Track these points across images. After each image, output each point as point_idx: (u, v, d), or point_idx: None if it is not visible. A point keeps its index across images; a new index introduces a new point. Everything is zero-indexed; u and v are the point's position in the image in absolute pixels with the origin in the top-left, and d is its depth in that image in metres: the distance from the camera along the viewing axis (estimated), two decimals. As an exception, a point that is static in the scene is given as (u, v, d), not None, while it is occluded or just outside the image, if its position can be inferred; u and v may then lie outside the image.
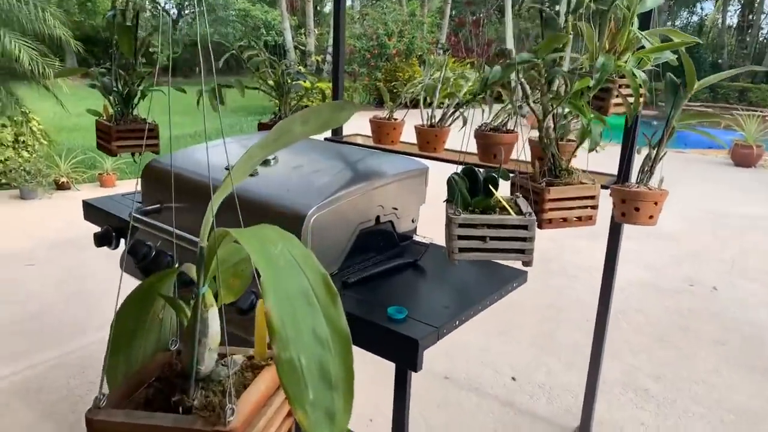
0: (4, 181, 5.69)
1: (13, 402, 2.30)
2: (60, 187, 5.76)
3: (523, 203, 1.14)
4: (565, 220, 1.28)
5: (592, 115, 1.18)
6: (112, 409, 0.59)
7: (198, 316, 0.67)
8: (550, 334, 3.02)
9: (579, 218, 1.29)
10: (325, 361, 0.49)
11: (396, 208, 1.51)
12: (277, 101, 2.24)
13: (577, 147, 1.26)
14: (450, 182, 1.10)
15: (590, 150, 1.17)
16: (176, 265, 1.42)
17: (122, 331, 0.67)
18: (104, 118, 1.74)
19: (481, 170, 1.13)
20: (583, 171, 1.34)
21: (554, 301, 3.42)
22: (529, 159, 1.81)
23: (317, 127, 0.62)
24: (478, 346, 2.85)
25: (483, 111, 2.00)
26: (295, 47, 15.48)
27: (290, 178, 1.43)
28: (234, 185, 0.64)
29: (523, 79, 1.17)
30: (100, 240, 1.76)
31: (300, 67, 2.29)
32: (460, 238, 1.04)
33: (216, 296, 0.72)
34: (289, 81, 2.15)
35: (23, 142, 5.93)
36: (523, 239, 1.07)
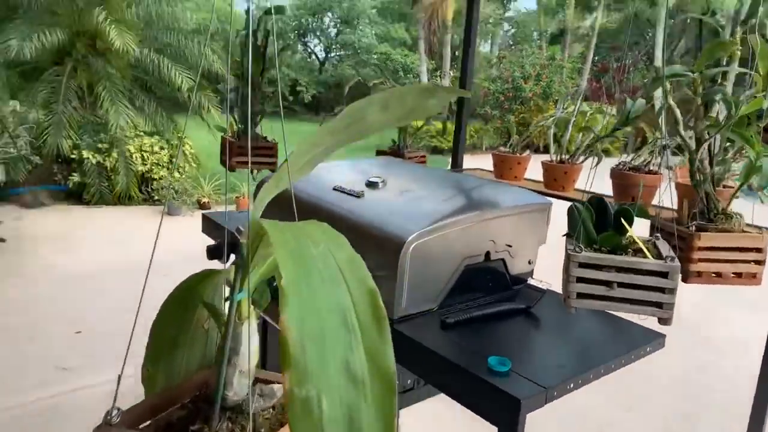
0: (156, 197, 6.29)
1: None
2: (202, 206, 6.23)
3: (663, 246, 0.93)
4: (719, 275, 1.04)
5: (762, 148, 0.96)
6: (123, 429, 0.51)
7: (229, 330, 0.58)
8: (690, 418, 2.58)
9: (738, 275, 1.04)
10: (355, 407, 0.37)
11: (510, 246, 1.35)
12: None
13: (740, 187, 1.03)
14: (572, 212, 0.93)
15: (760, 188, 0.94)
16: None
17: (162, 338, 0.60)
18: (229, 134, 1.79)
19: (612, 203, 0.95)
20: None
21: (696, 377, 2.95)
22: (674, 206, 1.56)
23: (400, 116, 0.51)
24: (599, 417, 2.51)
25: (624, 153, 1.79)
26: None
27: (396, 201, 1.34)
28: (294, 178, 0.55)
29: (672, 101, 0.98)
30: (212, 253, 1.78)
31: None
32: (580, 280, 0.87)
33: (258, 305, 0.63)
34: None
35: (177, 164, 6.53)
36: (662, 290, 0.86)
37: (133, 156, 6.17)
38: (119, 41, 5.57)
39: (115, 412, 0.57)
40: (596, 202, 0.94)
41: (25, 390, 2.43)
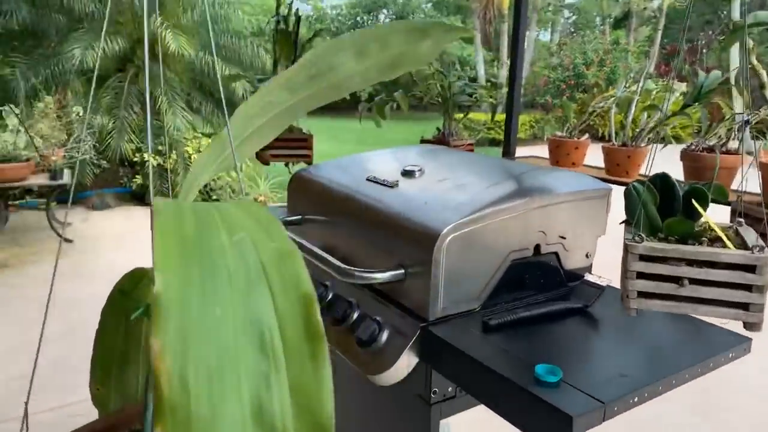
0: (214, 197, 6.41)
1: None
2: (259, 202, 6.29)
3: (748, 234, 0.76)
4: (819, 268, 0.85)
5: None
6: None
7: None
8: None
9: None
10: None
11: (564, 237, 1.20)
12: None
13: None
14: (629, 194, 0.78)
15: None
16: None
17: (108, 353, 0.50)
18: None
19: (681, 182, 0.79)
20: None
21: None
22: (759, 190, 1.35)
23: (382, 65, 0.39)
24: (674, 427, 2.29)
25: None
26: (487, 80, 15.42)
27: (432, 191, 1.22)
28: (242, 153, 0.44)
29: (755, 60, 0.81)
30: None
31: (483, 91, 2.07)
32: (641, 276, 0.72)
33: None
34: (455, 93, 1.96)
35: (233, 163, 6.63)
36: (748, 288, 0.70)
37: (191, 157, 6.32)
38: (174, 45, 5.70)
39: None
40: (660, 180, 0.78)
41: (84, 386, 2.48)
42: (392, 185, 1.26)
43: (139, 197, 6.51)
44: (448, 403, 1.14)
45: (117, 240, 5.04)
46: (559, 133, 2.04)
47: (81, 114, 5.32)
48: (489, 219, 1.07)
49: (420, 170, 1.33)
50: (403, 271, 1.08)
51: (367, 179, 1.33)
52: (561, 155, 1.96)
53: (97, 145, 5.84)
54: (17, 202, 5.73)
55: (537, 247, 1.16)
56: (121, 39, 6.16)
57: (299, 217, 1.45)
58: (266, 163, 1.67)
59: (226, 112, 0.42)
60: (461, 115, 2.08)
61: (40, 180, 4.71)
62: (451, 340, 0.98)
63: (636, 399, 0.84)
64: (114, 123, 6.05)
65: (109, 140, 5.97)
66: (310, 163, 1.68)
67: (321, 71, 0.39)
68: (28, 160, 4.57)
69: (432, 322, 1.04)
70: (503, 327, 1.03)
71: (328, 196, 1.35)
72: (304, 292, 0.30)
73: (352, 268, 1.09)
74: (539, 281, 1.18)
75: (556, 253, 1.20)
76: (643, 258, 0.71)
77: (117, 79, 6.42)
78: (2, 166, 4.35)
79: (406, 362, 1.03)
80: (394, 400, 1.26)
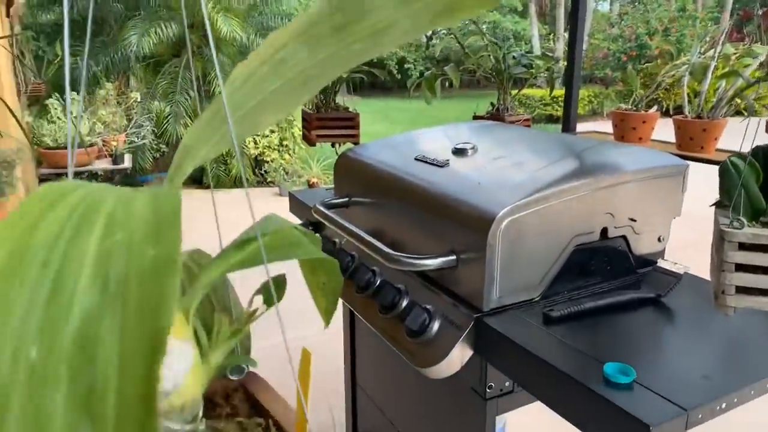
0: (269, 179, 6.48)
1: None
2: (311, 186, 6.31)
3: None
4: None
5: None
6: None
7: None
8: None
9: None
10: None
11: (634, 220, 1.09)
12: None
13: None
14: (726, 170, 0.67)
15: None
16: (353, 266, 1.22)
17: None
18: (309, 106, 1.66)
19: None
20: None
21: None
22: None
23: (435, 9, 0.30)
24: None
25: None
26: (543, 54, 14.87)
27: (486, 170, 1.12)
28: (242, 131, 0.37)
29: None
30: (296, 234, 1.69)
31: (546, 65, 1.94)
32: (740, 268, 0.61)
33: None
34: (510, 65, 1.83)
35: (286, 145, 6.67)
36: None
37: (247, 140, 6.39)
38: (225, 28, 5.74)
39: None
40: (764, 154, 0.66)
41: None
42: (442, 165, 1.17)
43: (198, 180, 6.66)
44: (505, 399, 1.06)
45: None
46: (623, 106, 1.89)
47: (138, 100, 5.46)
48: (550, 200, 0.97)
49: (473, 148, 1.24)
50: (455, 257, 1.00)
51: (416, 159, 1.25)
52: (626, 129, 1.81)
53: (156, 129, 5.98)
54: (83, 186, 5.97)
55: (604, 231, 1.05)
56: (176, 24, 6.26)
57: (346, 199, 1.39)
58: (312, 144, 1.62)
59: (220, 76, 0.35)
60: (516, 91, 1.96)
61: (104, 165, 4.88)
62: (508, 333, 0.90)
63: (724, 405, 0.74)
64: (170, 108, 6.18)
65: (166, 125, 6.11)
66: (357, 143, 1.62)
67: (350, 18, 0.30)
68: (91, 145, 4.74)
69: (487, 312, 0.96)
70: (566, 319, 0.93)
71: (375, 177, 1.28)
72: (157, 327, 0.20)
73: (400, 254, 1.02)
74: (606, 268, 1.08)
75: (624, 237, 1.09)
76: (744, 247, 0.61)
77: (172, 64, 6.55)
78: (65, 152, 4.52)
79: (460, 355, 0.96)
80: (448, 392, 1.19)
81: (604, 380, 0.77)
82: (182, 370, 0.41)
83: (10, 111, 0.92)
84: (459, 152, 1.23)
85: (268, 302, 0.52)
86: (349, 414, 1.73)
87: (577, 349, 0.86)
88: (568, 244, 1.01)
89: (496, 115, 1.89)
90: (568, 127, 2.04)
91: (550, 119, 11.30)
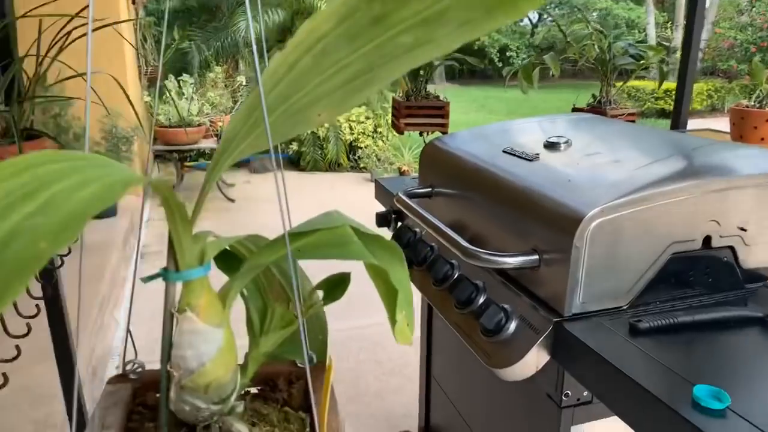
0: (362, 165, 6.58)
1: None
2: (402, 173, 6.34)
3: None
4: None
5: None
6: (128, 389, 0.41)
7: (166, 319, 0.43)
8: None
9: None
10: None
11: (744, 229, 0.98)
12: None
13: None
14: None
15: None
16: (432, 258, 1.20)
17: None
18: (400, 94, 1.65)
19: None
20: None
21: None
22: None
23: None
24: None
25: None
26: (658, 44, 13.86)
27: (579, 166, 1.06)
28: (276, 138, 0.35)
29: None
30: (381, 221, 1.69)
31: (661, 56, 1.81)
32: None
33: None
34: (616, 55, 1.72)
35: (380, 132, 6.73)
36: None
37: (342, 126, 6.52)
38: (329, 15, 5.85)
39: (133, 365, 0.48)
40: None
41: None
42: (531, 158, 1.12)
43: (295, 162, 6.89)
44: (582, 409, 1.01)
45: (271, 201, 5.39)
46: (745, 102, 1.71)
47: (244, 83, 5.72)
48: (647, 202, 0.89)
49: (566, 142, 1.17)
50: (537, 257, 0.95)
51: (504, 151, 1.21)
52: (746, 129, 1.64)
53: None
54: (191, 163, 6.37)
55: (707, 239, 0.96)
56: (281, 10, 6.48)
57: (429, 189, 1.37)
58: (400, 132, 1.61)
59: (258, 68, 0.34)
60: (621, 83, 1.83)
61: (210, 143, 5.18)
62: (589, 341, 0.84)
63: (836, 447, 0.65)
64: (273, 92, 6.43)
65: (268, 108, 6.37)
66: (445, 133, 1.59)
67: (389, 6, 0.27)
68: (200, 125, 5.04)
69: (568, 317, 0.91)
70: (655, 332, 0.86)
71: (459, 168, 1.25)
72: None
73: (479, 249, 0.99)
74: (707, 280, 0.98)
75: (731, 248, 0.99)
76: None
77: (278, 48, 6.79)
78: (179, 130, 4.85)
79: (535, 359, 0.92)
80: (522, 395, 1.15)
81: (693, 404, 0.70)
82: (207, 352, 0.42)
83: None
84: (551, 146, 1.17)
85: (327, 298, 0.52)
86: (422, 405, 1.73)
87: (664, 366, 0.79)
88: (664, 252, 0.93)
89: (597, 108, 1.78)
90: (677, 123, 1.88)
91: (662, 114, 10.53)
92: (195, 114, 5.03)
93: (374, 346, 2.58)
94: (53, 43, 1.10)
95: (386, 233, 1.67)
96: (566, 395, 0.97)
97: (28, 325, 0.95)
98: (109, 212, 3.92)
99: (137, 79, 5.06)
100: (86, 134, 0.35)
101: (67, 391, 1.44)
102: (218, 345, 0.42)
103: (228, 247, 0.50)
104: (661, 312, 0.92)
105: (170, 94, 4.85)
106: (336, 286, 0.54)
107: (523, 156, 1.14)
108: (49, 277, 1.14)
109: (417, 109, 1.54)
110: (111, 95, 1.27)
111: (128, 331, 0.53)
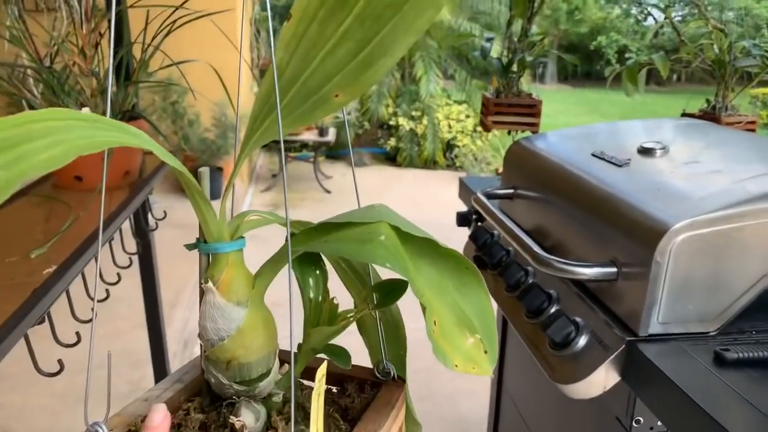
0: (458, 164, 6.51)
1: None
2: (498, 174, 6.20)
3: None
4: None
5: None
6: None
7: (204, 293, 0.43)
8: None
9: None
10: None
11: None
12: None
13: None
14: None
15: None
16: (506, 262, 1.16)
17: None
18: (491, 90, 1.61)
19: None
20: None
21: None
22: None
23: None
24: None
25: None
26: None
27: (672, 174, 0.97)
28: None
29: None
30: (461, 220, 1.66)
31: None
32: None
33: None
34: (737, 56, 1.55)
35: (479, 131, 6.62)
36: None
37: (441, 123, 6.49)
38: (436, 12, 5.83)
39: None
40: None
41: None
42: (621, 164, 1.04)
43: (392, 158, 6.96)
44: (654, 441, 0.92)
45: (367, 195, 5.45)
46: None
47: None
48: (746, 219, 0.80)
49: (663, 148, 1.07)
50: (615, 269, 0.88)
51: (593, 155, 1.13)
52: None
53: (359, 107, 6.37)
54: (294, 154, 6.63)
55: (821, 266, 0.84)
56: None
57: (511, 190, 1.32)
58: (487, 130, 1.56)
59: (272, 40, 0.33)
60: (741, 88, 1.66)
61: (311, 136, 5.36)
62: (665, 367, 0.77)
63: None
64: (375, 87, 6.52)
65: (369, 103, 6.47)
66: (535, 132, 1.52)
67: None
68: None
69: (644, 338, 0.83)
70: (745, 364, 0.77)
71: (542, 169, 1.19)
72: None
73: (552, 257, 0.94)
74: (818, 312, 0.86)
75: None
76: None
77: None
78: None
79: (603, 379, 0.85)
80: (591, 415, 1.08)
81: (780, 450, 0.61)
82: (226, 328, 0.42)
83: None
84: (645, 152, 1.08)
85: (380, 304, 0.49)
86: (491, 414, 1.67)
87: (753, 406, 0.70)
88: (764, 276, 0.82)
89: (710, 114, 1.63)
90: (807, 134, 1.67)
91: (800, 125, 9.45)
92: (299, 106, 5.23)
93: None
94: (158, 31, 1.18)
95: (466, 233, 1.63)
96: (637, 422, 0.89)
97: (118, 274, 1.03)
98: (214, 194, 4.17)
99: (249, 70, 5.33)
100: (107, 100, 0.36)
101: (156, 355, 1.56)
102: (237, 324, 0.42)
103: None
104: (756, 343, 0.82)
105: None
106: (393, 290, 0.49)
107: (613, 161, 1.06)
108: (143, 236, 1.22)
109: (506, 106, 1.49)
110: (221, 84, 1.34)
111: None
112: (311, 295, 0.51)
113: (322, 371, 0.40)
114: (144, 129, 1.21)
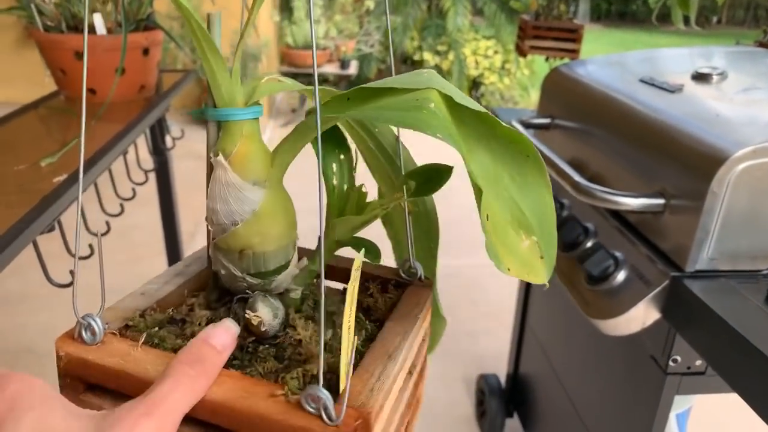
0: (484, 102, 6.32)
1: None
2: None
3: None
4: None
5: None
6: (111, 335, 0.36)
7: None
8: None
9: None
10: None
11: None
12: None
13: None
14: None
15: None
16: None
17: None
18: (530, 11, 1.49)
19: None
20: None
21: None
22: None
23: None
24: None
25: None
26: None
27: (732, 101, 0.88)
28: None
29: None
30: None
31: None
32: None
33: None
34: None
35: (507, 69, 6.38)
36: None
37: (467, 60, 6.25)
38: (467, -62, 5.50)
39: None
40: None
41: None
42: (674, 90, 0.95)
43: (414, 95, 6.78)
44: (691, 379, 0.89)
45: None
46: None
47: (371, 9, 5.62)
48: (817, 147, 0.72)
49: (720, 74, 0.98)
50: (663, 201, 0.82)
51: (641, 81, 1.04)
52: None
53: (383, 39, 6.15)
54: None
55: None
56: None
57: (548, 120, 1.24)
58: (523, 55, 1.46)
59: None
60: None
61: (333, 69, 5.20)
62: (714, 304, 0.72)
63: None
64: (400, 19, 6.27)
65: (393, 36, 6.24)
66: (575, 59, 1.42)
67: None
68: (325, 49, 5.06)
69: (690, 273, 0.78)
70: (803, 305, 0.71)
71: (584, 96, 1.10)
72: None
73: (594, 185, 0.87)
74: None
75: None
76: None
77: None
78: (305, 52, 4.90)
79: (642, 315, 0.81)
80: (623, 353, 1.04)
81: (840, 393, 0.57)
82: (239, 211, 0.37)
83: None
84: (700, 77, 0.99)
85: (420, 191, 0.42)
86: (513, 352, 1.66)
87: (808, 346, 0.65)
88: (831, 211, 0.75)
89: (767, 44, 1.50)
90: None
91: None
92: (321, 37, 5.05)
93: (472, 286, 2.53)
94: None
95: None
96: (674, 361, 0.85)
97: (133, 190, 0.99)
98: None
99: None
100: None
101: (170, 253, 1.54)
102: (253, 207, 0.37)
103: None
104: (812, 282, 0.76)
105: (298, 15, 4.89)
106: (432, 177, 0.43)
107: (664, 87, 0.98)
108: (159, 153, 1.19)
109: (546, 30, 1.38)
110: (239, 15, 1.25)
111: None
112: (335, 182, 0.44)
113: (358, 261, 0.35)
114: (159, 39, 1.14)
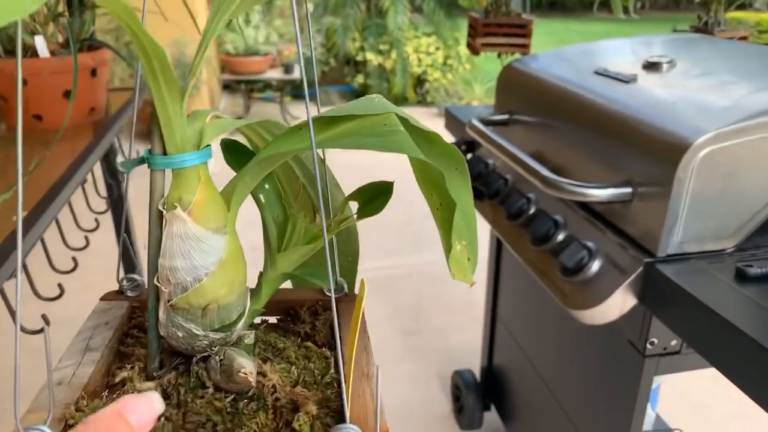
0: (429, 99, 6.38)
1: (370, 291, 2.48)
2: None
3: None
4: None
5: None
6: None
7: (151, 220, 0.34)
8: None
9: None
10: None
11: None
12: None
13: None
14: None
15: None
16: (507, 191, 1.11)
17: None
18: (477, 8, 1.51)
19: None
20: None
21: None
22: None
23: None
24: None
25: None
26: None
27: (685, 88, 0.92)
28: None
29: None
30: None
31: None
32: None
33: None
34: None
35: (449, 65, 6.47)
36: None
37: (410, 58, 6.29)
38: (400, -63, 5.53)
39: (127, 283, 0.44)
40: None
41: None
42: (628, 80, 0.98)
43: (361, 96, 6.77)
44: (668, 359, 0.92)
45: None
46: None
47: (311, 11, 5.57)
48: (767, 130, 0.76)
49: (670, 62, 1.02)
50: (630, 189, 0.84)
51: (595, 72, 1.07)
52: None
53: (325, 42, 6.12)
54: (259, 94, 6.38)
55: (840, 176, 0.81)
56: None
57: (506, 116, 1.26)
58: (476, 53, 1.47)
59: None
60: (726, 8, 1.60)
61: (276, 74, 5.14)
62: (687, 285, 0.74)
63: None
64: (340, 21, 6.25)
65: (335, 38, 6.22)
66: (525, 54, 1.44)
67: None
68: (266, 54, 4.99)
69: (662, 258, 0.80)
70: (766, 278, 0.75)
71: (542, 91, 1.13)
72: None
73: (562, 179, 0.89)
74: (833, 224, 0.84)
75: None
76: None
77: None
78: (247, 59, 4.82)
79: (620, 303, 0.83)
80: (599, 340, 1.07)
81: (815, 362, 0.60)
82: (204, 265, 0.33)
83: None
84: (651, 66, 1.03)
85: (364, 211, 0.41)
86: (486, 345, 1.68)
87: (777, 316, 0.68)
88: (787, 188, 0.79)
89: (702, 30, 1.57)
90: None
91: None
92: (262, 42, 4.98)
93: (438, 283, 2.54)
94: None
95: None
96: (651, 343, 0.88)
97: (96, 220, 0.95)
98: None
99: (207, 8, 5.03)
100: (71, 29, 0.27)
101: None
102: (219, 256, 0.34)
103: (241, 136, 0.41)
104: (774, 257, 0.80)
105: (238, 22, 4.80)
106: (375, 197, 0.42)
107: (619, 77, 1.01)
108: (115, 176, 1.14)
109: (496, 27, 1.40)
110: (178, 23, 1.21)
111: (125, 235, 0.48)
112: (277, 213, 0.42)
113: (362, 290, 0.34)
114: (107, 58, 1.09)
